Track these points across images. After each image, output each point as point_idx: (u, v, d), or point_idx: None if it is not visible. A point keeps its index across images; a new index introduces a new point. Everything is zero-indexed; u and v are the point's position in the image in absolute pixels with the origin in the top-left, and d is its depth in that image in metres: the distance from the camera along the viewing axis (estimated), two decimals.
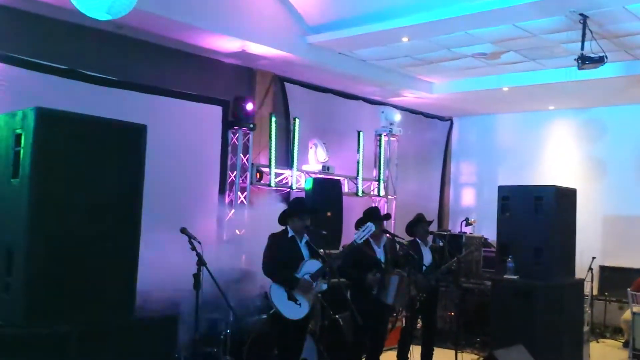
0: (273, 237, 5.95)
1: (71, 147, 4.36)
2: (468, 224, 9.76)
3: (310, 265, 5.86)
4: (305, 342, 6.11)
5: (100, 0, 5.34)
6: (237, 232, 8.68)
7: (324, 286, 5.89)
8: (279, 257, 5.83)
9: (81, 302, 4.35)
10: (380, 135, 11.42)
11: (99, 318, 4.42)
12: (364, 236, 6.15)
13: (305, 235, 6.04)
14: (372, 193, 11.31)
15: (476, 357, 8.58)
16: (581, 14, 7.17)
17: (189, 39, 8.18)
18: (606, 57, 7.34)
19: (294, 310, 5.76)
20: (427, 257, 7.57)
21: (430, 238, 8.05)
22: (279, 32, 8.60)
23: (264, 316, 6.77)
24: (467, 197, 13.81)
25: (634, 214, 11.25)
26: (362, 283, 6.50)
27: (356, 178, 10.83)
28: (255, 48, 8.55)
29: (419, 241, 7.63)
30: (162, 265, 6.27)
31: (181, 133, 8.30)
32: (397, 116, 11.45)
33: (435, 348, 7.74)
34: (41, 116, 4.20)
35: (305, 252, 5.98)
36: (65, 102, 5.29)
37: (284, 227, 6.05)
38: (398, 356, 7.49)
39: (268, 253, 5.86)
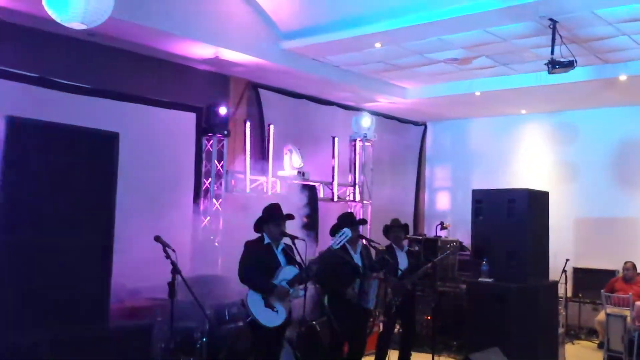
0: (249, 245, 5.91)
1: (43, 156, 4.33)
2: (443, 227, 9.83)
3: (287, 272, 5.84)
4: (283, 349, 6.09)
5: (73, 8, 5.33)
6: (212, 238, 8.64)
7: (301, 292, 5.84)
8: (256, 265, 5.79)
9: (54, 311, 4.31)
10: (355, 140, 11.44)
11: (73, 328, 4.38)
12: (341, 242, 6.14)
13: (283, 242, 6.02)
14: (347, 198, 11.32)
15: None
16: (551, 19, 7.25)
17: (161, 45, 8.13)
18: (576, 62, 7.44)
19: (271, 317, 5.73)
20: (403, 262, 7.60)
21: (405, 242, 8.09)
22: (252, 39, 8.59)
23: (241, 324, 6.73)
24: (441, 201, 13.88)
25: (606, 216, 11.40)
26: (342, 295, 6.52)
27: (331, 183, 10.83)
28: (229, 54, 8.52)
29: (394, 246, 7.67)
30: (136, 273, 6.22)
31: (155, 140, 8.23)
32: (370, 121, 11.44)
33: (412, 352, 7.77)
34: (12, 125, 4.17)
35: (282, 258, 5.96)
36: (37, 110, 5.23)
37: (259, 235, 6.03)
38: None
39: (244, 260, 5.81)
